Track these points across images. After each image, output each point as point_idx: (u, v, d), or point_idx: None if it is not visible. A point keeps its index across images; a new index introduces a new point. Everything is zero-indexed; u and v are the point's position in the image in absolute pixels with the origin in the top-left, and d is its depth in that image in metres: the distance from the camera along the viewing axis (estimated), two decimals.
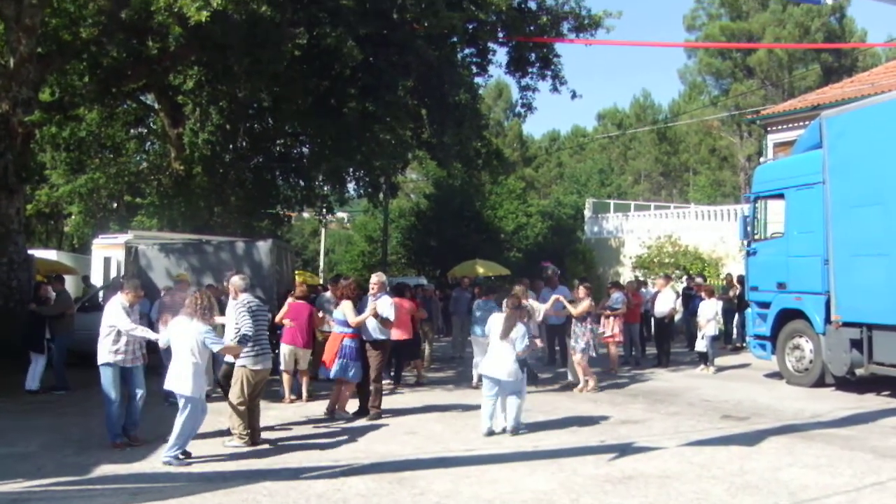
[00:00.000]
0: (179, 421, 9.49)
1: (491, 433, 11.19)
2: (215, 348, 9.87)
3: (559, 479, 8.71)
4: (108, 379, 10.43)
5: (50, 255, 30.23)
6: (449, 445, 10.61)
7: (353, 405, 12.97)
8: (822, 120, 15.48)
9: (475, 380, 15.18)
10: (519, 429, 11.23)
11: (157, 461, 9.64)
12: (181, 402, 9.54)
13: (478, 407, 12.91)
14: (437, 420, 12.44)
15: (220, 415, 11.06)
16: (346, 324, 12.69)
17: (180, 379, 9.52)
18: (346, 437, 11.13)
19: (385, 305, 12.85)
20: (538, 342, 12.40)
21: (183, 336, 9.63)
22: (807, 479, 8.68)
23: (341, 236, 66.33)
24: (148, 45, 20.31)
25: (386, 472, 9.04)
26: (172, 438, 9.48)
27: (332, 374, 12.72)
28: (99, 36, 19.99)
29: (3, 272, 18.54)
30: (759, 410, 13.18)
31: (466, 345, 20.33)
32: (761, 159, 32.68)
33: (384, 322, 12.75)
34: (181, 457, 9.54)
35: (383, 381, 13.57)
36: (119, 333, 10.45)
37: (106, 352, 10.45)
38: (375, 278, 13.31)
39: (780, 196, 16.68)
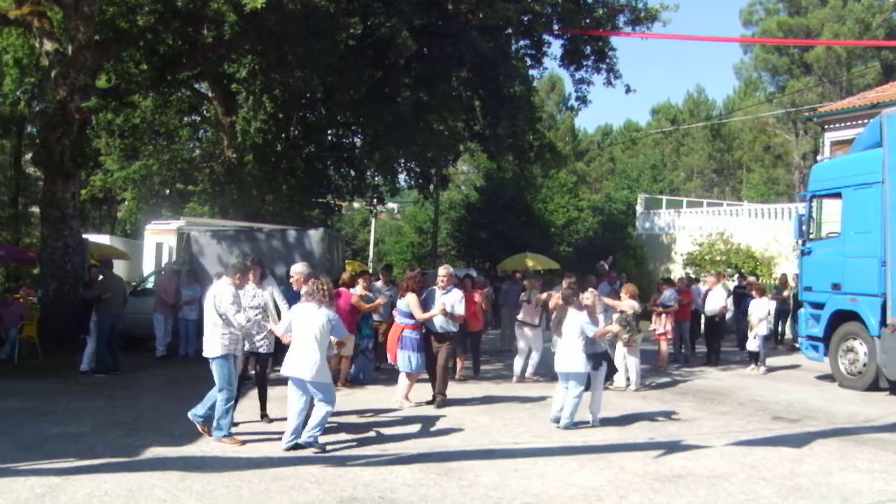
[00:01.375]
0: (320, 408, 9.55)
1: (558, 420, 11.30)
2: (342, 335, 10.05)
3: (607, 476, 8.64)
4: (226, 370, 9.91)
5: (103, 239, 30.64)
6: (496, 438, 10.56)
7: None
8: (883, 118, 15.20)
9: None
10: (569, 425, 11.17)
11: (206, 445, 9.74)
12: (313, 389, 9.55)
13: (526, 400, 13.02)
14: (485, 412, 12.39)
15: (269, 402, 11.12)
16: (409, 315, 12.72)
17: (309, 366, 9.47)
18: (393, 427, 11.14)
19: (455, 300, 12.88)
20: (613, 328, 12.40)
21: (310, 322, 9.60)
22: (859, 484, 8.55)
23: (391, 227, 66.41)
24: (203, 34, 20.42)
25: (433, 463, 9.03)
26: (311, 426, 9.55)
27: (399, 367, 12.80)
28: (155, 24, 20.16)
29: (58, 256, 18.80)
30: (810, 413, 12.99)
31: (515, 338, 20.28)
32: (818, 157, 32.22)
33: (453, 317, 12.77)
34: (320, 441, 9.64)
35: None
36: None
37: (224, 342, 9.96)
38: (444, 271, 13.31)
39: (837, 195, 16.43)
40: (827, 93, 51.80)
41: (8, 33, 24.55)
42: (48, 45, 19.18)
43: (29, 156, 34.07)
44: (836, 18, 53.32)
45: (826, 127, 31.24)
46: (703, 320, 20.87)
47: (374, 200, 34.07)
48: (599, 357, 11.55)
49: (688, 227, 36.21)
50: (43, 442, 9.71)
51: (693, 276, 27.24)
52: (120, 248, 30.26)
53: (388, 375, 13.98)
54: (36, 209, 35.03)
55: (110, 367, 15.78)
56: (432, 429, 11.03)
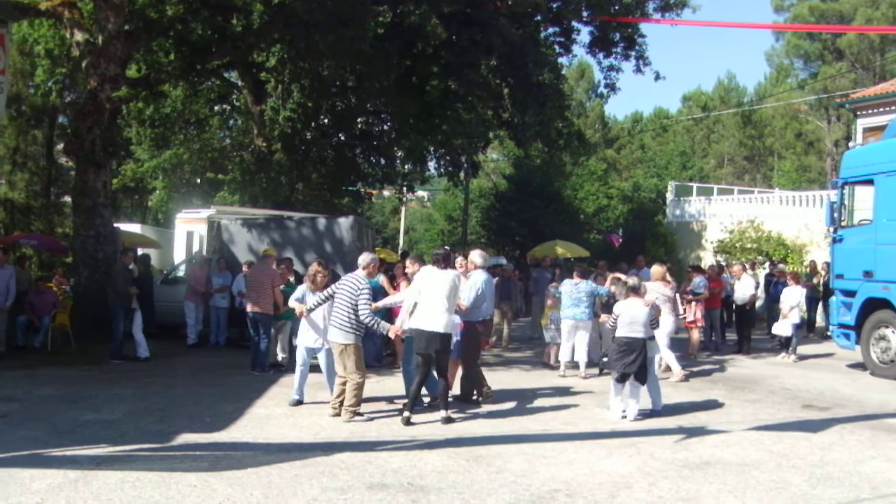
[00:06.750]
0: None
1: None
2: None
3: (636, 463, 8.61)
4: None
5: (135, 228, 30.90)
6: (525, 425, 10.55)
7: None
8: None
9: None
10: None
11: (236, 432, 9.78)
12: None
13: (555, 388, 13.06)
14: (514, 400, 12.37)
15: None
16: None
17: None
18: (423, 414, 11.10)
19: (470, 283, 12.08)
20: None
21: None
22: (891, 473, 8.44)
23: (421, 215, 66.53)
24: (232, 23, 20.47)
25: (462, 449, 9.02)
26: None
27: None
28: (184, 13, 20.25)
29: (90, 244, 18.93)
30: (841, 401, 12.88)
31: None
32: (850, 144, 31.92)
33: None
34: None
35: None
36: None
37: None
38: (472, 256, 12.62)
39: (870, 182, 16.27)
40: (860, 79, 51.11)
41: (39, 24, 24.77)
42: (79, 36, 19.28)
43: (61, 146, 34.41)
44: (869, 3, 52.49)
45: (858, 113, 30.95)
46: (733, 308, 20.75)
47: (404, 188, 34.09)
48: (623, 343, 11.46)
49: (718, 215, 36.08)
50: (76, 428, 9.77)
51: (723, 263, 27.14)
52: (151, 237, 30.54)
53: None
54: (68, 199, 35.32)
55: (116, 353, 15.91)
56: (461, 416, 11.02)
